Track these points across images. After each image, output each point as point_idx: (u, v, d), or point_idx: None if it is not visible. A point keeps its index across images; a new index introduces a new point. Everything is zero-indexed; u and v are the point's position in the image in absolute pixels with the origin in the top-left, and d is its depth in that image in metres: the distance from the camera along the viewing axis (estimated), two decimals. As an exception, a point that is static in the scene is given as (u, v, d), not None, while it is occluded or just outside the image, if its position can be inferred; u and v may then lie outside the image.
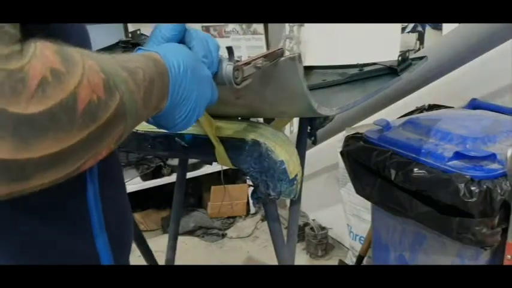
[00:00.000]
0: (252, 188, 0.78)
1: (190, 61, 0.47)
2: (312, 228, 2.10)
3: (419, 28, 1.65)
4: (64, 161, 0.32)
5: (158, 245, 1.63)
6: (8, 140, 0.27)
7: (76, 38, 0.43)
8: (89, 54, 0.33)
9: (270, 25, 2.40)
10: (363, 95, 0.78)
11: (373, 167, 1.02)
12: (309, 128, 0.92)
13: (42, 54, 0.29)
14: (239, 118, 0.84)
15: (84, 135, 0.32)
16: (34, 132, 0.28)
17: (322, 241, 2.08)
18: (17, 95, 0.27)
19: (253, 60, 0.56)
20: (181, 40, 0.51)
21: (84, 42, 0.46)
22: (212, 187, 2.46)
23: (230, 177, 2.46)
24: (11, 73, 0.27)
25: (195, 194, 2.55)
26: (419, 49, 1.63)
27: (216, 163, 0.81)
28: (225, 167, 0.90)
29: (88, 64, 0.32)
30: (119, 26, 1.97)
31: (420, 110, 1.31)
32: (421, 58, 0.92)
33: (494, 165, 0.89)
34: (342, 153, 1.17)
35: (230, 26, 2.39)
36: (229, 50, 0.54)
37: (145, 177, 2.21)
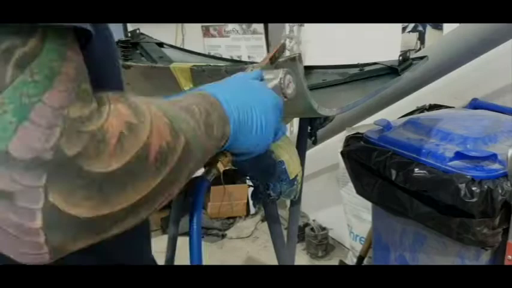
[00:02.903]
0: (252, 189, 0.78)
1: (235, 79, 0.49)
2: (312, 229, 2.10)
3: (420, 28, 1.65)
4: (141, 209, 0.33)
5: (158, 245, 1.63)
6: (94, 199, 0.29)
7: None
8: (150, 101, 0.35)
9: (270, 25, 2.40)
10: (364, 95, 0.78)
11: (374, 167, 1.02)
12: (309, 128, 0.92)
13: (117, 109, 0.31)
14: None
15: (159, 180, 0.33)
16: (115, 188, 0.30)
17: (323, 241, 2.08)
18: (100, 154, 0.28)
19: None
20: None
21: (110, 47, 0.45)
22: (212, 187, 2.45)
23: (230, 177, 2.45)
24: (93, 134, 0.28)
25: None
26: (419, 49, 1.63)
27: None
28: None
29: (153, 112, 0.33)
30: (118, 26, 1.97)
31: (421, 110, 1.31)
32: (421, 58, 0.92)
33: (495, 166, 0.89)
34: (342, 153, 1.17)
35: (230, 26, 2.40)
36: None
37: (145, 178, 2.21)
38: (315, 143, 0.95)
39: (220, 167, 0.51)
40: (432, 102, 1.33)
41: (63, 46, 0.28)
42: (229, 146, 0.47)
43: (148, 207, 0.34)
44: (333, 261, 2.04)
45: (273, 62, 0.60)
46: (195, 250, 0.48)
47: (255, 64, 0.59)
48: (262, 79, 0.54)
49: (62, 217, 0.28)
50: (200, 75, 0.69)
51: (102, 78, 0.37)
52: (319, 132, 0.95)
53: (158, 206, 0.36)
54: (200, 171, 0.52)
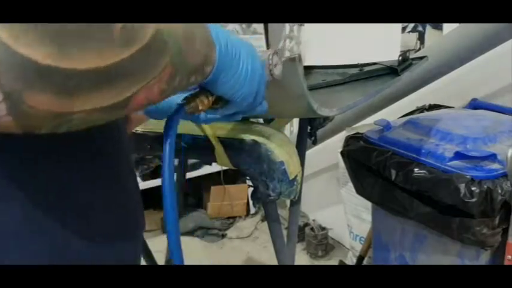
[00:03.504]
0: (252, 189, 0.78)
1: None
2: (312, 229, 2.10)
3: (420, 28, 1.65)
4: (110, 83, 0.31)
5: (158, 245, 1.63)
6: (49, 46, 0.27)
7: None
8: None
9: (270, 25, 2.40)
10: (363, 95, 0.78)
11: (374, 167, 1.02)
12: (309, 128, 0.92)
13: None
14: (239, 118, 0.84)
15: (127, 55, 0.31)
16: (73, 43, 0.28)
17: (322, 241, 2.08)
18: None
19: None
20: None
21: None
22: (212, 187, 2.46)
23: (230, 177, 2.46)
24: None
25: (195, 194, 2.55)
26: (419, 49, 1.63)
27: (215, 163, 0.81)
28: (225, 167, 0.90)
29: None
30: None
31: (420, 110, 1.31)
32: (421, 58, 0.92)
33: (495, 165, 0.89)
34: (342, 153, 1.17)
35: (230, 26, 2.39)
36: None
37: (145, 177, 2.21)
38: (314, 143, 0.95)
39: (200, 104, 0.49)
40: (432, 102, 1.33)
41: None
42: (212, 81, 0.46)
43: (118, 87, 0.32)
44: (333, 261, 2.04)
45: None
46: (166, 180, 0.45)
47: None
48: None
49: (13, 55, 0.26)
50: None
51: None
52: (319, 132, 0.95)
53: (133, 98, 0.34)
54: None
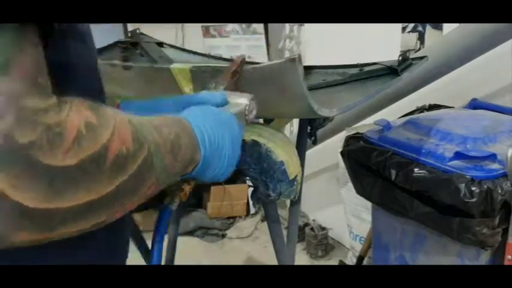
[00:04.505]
0: (252, 189, 0.78)
1: (208, 110, 0.50)
2: (312, 229, 2.10)
3: (420, 28, 1.65)
4: (93, 212, 0.32)
5: (158, 245, 1.63)
6: (43, 192, 0.28)
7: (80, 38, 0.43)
8: (117, 111, 0.35)
9: (270, 25, 2.40)
10: (363, 95, 0.78)
11: (374, 167, 1.02)
12: (309, 128, 0.92)
13: (78, 109, 0.30)
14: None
15: (114, 186, 0.32)
16: (67, 184, 0.29)
17: (322, 241, 2.08)
18: (55, 148, 0.28)
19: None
20: None
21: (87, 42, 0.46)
22: (212, 187, 2.45)
23: (230, 177, 2.46)
24: (50, 127, 0.28)
25: (195, 194, 2.55)
26: (419, 49, 1.63)
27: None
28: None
29: (119, 117, 0.33)
30: (118, 25, 1.97)
31: (420, 110, 1.31)
32: (421, 58, 0.92)
33: (495, 165, 0.89)
34: (342, 153, 1.17)
35: (230, 26, 2.40)
36: None
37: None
38: (314, 143, 0.95)
39: (183, 196, 0.52)
40: (432, 102, 1.33)
41: (20, 38, 0.28)
42: (197, 174, 0.48)
43: (101, 212, 0.33)
44: (333, 261, 2.04)
45: (234, 76, 0.61)
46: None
47: (218, 79, 0.61)
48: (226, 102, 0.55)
49: (6, 202, 0.27)
50: (200, 76, 0.69)
51: (79, 83, 0.38)
52: (319, 132, 0.95)
53: (112, 215, 0.35)
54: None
